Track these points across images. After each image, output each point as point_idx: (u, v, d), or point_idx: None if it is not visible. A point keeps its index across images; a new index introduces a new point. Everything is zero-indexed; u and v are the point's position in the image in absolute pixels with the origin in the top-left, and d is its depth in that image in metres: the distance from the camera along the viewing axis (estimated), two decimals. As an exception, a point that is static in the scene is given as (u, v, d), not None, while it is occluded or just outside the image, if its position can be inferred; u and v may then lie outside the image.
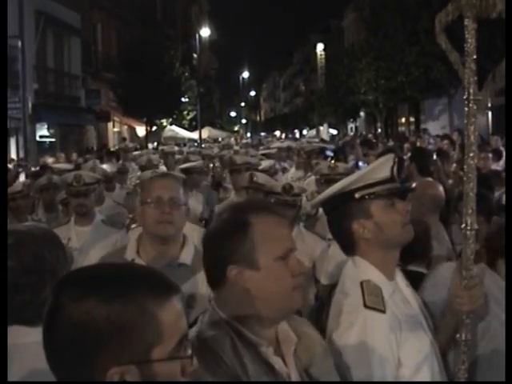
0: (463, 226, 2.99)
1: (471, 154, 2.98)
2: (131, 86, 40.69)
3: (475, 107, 3.00)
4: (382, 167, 2.98)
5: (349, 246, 3.02)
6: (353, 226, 2.94)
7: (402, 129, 53.92)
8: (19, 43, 28.25)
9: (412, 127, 50.04)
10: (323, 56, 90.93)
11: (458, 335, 3.03)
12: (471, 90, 3.00)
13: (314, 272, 5.89)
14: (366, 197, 2.93)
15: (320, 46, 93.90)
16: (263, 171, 9.34)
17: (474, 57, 2.99)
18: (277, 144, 17.56)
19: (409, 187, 3.35)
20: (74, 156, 23.32)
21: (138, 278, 1.78)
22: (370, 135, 40.99)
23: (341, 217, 2.99)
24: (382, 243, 2.95)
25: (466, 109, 3.02)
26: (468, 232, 2.98)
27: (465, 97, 3.01)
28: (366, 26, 44.96)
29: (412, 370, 2.80)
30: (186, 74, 49.56)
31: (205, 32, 63.25)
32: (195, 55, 58.11)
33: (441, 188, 6.37)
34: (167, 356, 1.71)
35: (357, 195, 2.93)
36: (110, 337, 1.67)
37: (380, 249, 2.95)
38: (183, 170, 9.81)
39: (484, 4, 2.97)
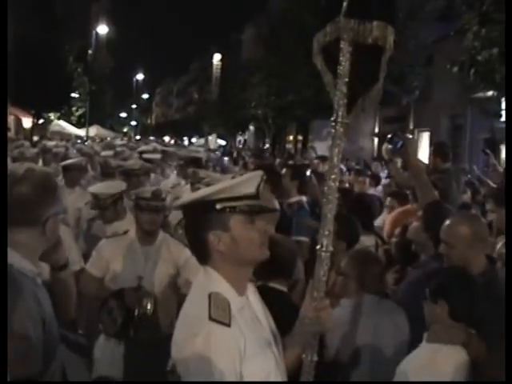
0: (318, 246, 2.99)
1: (333, 176, 2.99)
2: (21, 75, 39.69)
3: (342, 130, 3.01)
4: (248, 182, 2.93)
5: (202, 255, 2.96)
6: (209, 236, 2.87)
7: (289, 146, 54.58)
8: None
9: (299, 146, 50.70)
10: (219, 67, 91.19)
11: (304, 355, 3.03)
12: (340, 113, 3.02)
13: (178, 281, 5.84)
14: (227, 209, 2.88)
15: (217, 57, 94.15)
16: (132, 170, 9.37)
17: (346, 79, 3.01)
18: (144, 147, 17.21)
19: (271, 208, 3.32)
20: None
21: None
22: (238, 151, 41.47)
23: (198, 225, 2.92)
24: (235, 258, 2.89)
25: (333, 131, 3.03)
26: (323, 254, 2.98)
27: (332, 118, 3.02)
28: (263, 42, 45.43)
29: None
30: (79, 69, 48.78)
31: (102, 29, 62.30)
32: (90, 52, 57.16)
33: None
34: None
35: (218, 206, 2.86)
36: None
37: (233, 263, 2.90)
38: (63, 167, 9.71)
39: (361, 29, 2.99)
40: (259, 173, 3.00)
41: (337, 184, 3.00)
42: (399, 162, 7.22)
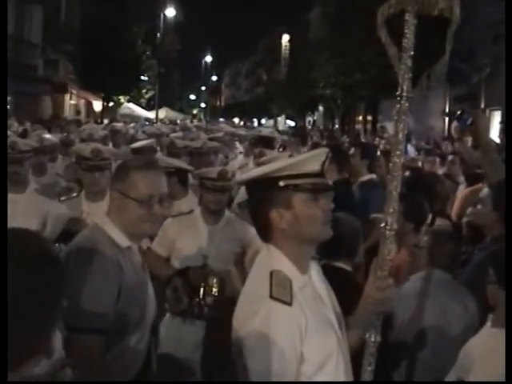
0: (383, 225, 2.92)
1: (398, 153, 2.91)
2: (90, 59, 40.25)
3: (407, 104, 2.94)
4: (313, 160, 2.86)
5: (264, 233, 2.91)
6: (271, 214, 2.82)
7: (358, 127, 54.13)
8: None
9: (369, 126, 50.25)
10: (288, 47, 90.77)
11: (367, 335, 2.98)
12: (404, 87, 2.94)
13: (244, 259, 5.82)
14: (291, 187, 2.82)
15: (286, 37, 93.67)
16: (197, 149, 9.41)
17: (411, 53, 2.93)
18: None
19: (334, 186, 3.24)
20: (28, 125, 23.09)
21: None
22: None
23: (261, 201, 2.87)
24: (297, 236, 2.84)
25: (398, 105, 2.96)
26: (387, 232, 2.91)
27: (397, 93, 2.95)
28: (328, 21, 45.04)
29: (314, 366, 2.72)
30: (148, 52, 49.21)
31: (170, 12, 62.59)
32: (159, 35, 57.57)
33: None
34: None
35: (281, 183, 2.81)
36: None
37: (295, 241, 2.84)
38: (133, 150, 9.75)
39: (426, 0, 2.90)
40: (324, 150, 2.94)
41: (402, 160, 2.92)
42: (469, 140, 7.05)
